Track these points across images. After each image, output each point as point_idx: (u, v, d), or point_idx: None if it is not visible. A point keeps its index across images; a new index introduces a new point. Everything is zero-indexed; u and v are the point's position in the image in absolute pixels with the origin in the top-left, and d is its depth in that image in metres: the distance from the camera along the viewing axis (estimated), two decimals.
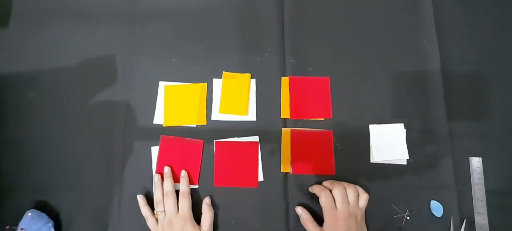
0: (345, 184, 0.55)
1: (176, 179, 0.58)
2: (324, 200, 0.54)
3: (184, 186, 0.57)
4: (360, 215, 0.54)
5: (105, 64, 0.64)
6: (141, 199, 0.57)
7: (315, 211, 0.58)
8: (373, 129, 0.62)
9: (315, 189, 0.56)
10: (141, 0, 0.67)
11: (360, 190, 0.55)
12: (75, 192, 0.59)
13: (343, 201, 0.53)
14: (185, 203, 0.55)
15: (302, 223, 0.56)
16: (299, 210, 0.57)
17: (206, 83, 0.63)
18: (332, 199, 0.54)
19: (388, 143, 0.61)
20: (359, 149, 0.61)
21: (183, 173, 0.58)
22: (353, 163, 0.60)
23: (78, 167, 0.60)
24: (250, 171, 0.59)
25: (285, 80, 0.63)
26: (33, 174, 0.60)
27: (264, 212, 0.58)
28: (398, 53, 0.65)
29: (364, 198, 0.55)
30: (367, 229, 0.54)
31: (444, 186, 0.60)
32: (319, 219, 0.56)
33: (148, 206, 0.57)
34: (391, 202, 0.59)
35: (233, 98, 0.62)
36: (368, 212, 0.57)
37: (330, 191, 0.55)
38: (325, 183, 0.57)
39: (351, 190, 0.54)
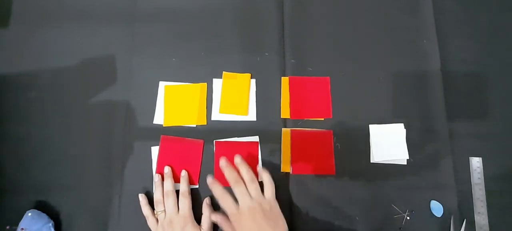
0: (247, 179, 0.52)
1: (176, 179, 0.58)
2: (224, 205, 0.51)
3: (184, 186, 0.57)
4: (269, 206, 0.51)
5: (105, 64, 0.64)
6: (142, 198, 0.57)
7: (315, 211, 0.58)
8: (373, 129, 0.62)
9: (216, 194, 0.53)
10: (141, 0, 0.67)
11: (265, 180, 0.53)
12: (75, 192, 0.59)
13: (244, 198, 0.51)
14: (186, 203, 0.55)
15: (220, 226, 0.54)
16: (214, 217, 0.54)
17: (206, 83, 0.63)
18: (232, 200, 0.51)
19: (388, 143, 0.61)
20: (359, 149, 0.61)
21: (183, 173, 0.58)
22: (353, 163, 0.60)
23: (78, 167, 0.60)
24: None
25: (285, 80, 0.63)
26: (33, 174, 0.60)
27: None
28: (398, 53, 0.65)
29: (268, 187, 0.52)
30: (365, 228, 0.54)
31: (444, 186, 0.60)
32: (323, 221, 0.56)
33: (149, 205, 0.57)
34: (391, 202, 0.59)
35: (233, 98, 0.62)
36: (368, 212, 0.57)
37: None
38: (225, 171, 0.53)
39: (253, 186, 0.52)
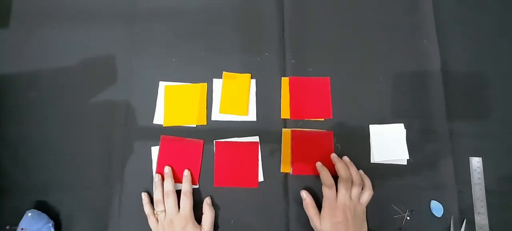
0: (354, 176, 0.56)
1: (176, 179, 0.58)
2: (328, 190, 0.54)
3: (186, 186, 0.57)
4: (360, 209, 0.54)
5: (105, 64, 0.64)
6: (144, 197, 0.58)
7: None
8: (373, 129, 0.62)
9: (323, 177, 0.56)
10: (141, 0, 0.67)
11: (366, 185, 0.56)
12: (75, 192, 0.59)
13: (346, 194, 0.54)
14: (187, 202, 0.55)
15: (305, 208, 0.57)
16: (304, 194, 0.57)
17: (206, 83, 0.63)
18: (335, 189, 0.55)
19: (388, 143, 0.61)
20: (359, 149, 0.61)
21: (186, 173, 0.58)
22: (354, 163, 0.60)
23: (78, 167, 0.60)
24: (250, 171, 0.59)
25: (285, 81, 0.63)
26: (33, 174, 0.60)
27: (264, 212, 0.58)
28: (398, 53, 0.65)
29: (367, 194, 0.55)
30: (368, 228, 0.55)
31: (444, 186, 0.60)
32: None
33: (150, 204, 0.57)
34: (391, 202, 0.59)
35: (233, 98, 0.62)
36: (368, 212, 0.57)
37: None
38: (338, 165, 0.57)
39: (356, 188, 0.55)
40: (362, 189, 0.56)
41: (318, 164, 0.58)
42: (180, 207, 0.55)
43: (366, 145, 0.61)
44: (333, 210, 0.53)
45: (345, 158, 0.59)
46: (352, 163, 0.58)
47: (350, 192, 0.54)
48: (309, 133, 0.61)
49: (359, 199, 0.55)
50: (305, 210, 0.57)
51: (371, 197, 0.55)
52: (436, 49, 0.65)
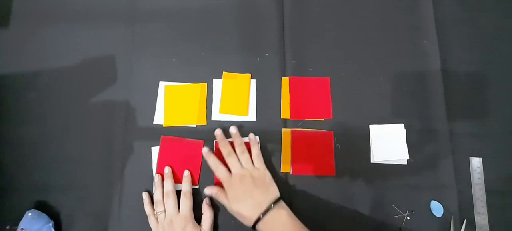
0: (238, 150, 0.57)
1: (176, 179, 0.58)
2: (218, 173, 0.56)
3: (186, 186, 0.57)
4: (257, 173, 0.55)
5: (105, 64, 0.64)
6: (145, 197, 0.58)
7: (315, 211, 0.58)
8: (373, 129, 0.62)
9: (211, 164, 0.57)
10: (141, 0, 0.67)
11: (254, 153, 0.57)
12: (75, 192, 0.59)
13: (235, 167, 0.55)
14: (187, 203, 0.55)
15: (216, 198, 0.57)
16: (207, 190, 0.57)
17: (206, 83, 0.63)
18: (225, 170, 0.56)
19: (388, 143, 0.61)
20: (359, 149, 0.61)
21: (186, 173, 0.58)
22: (354, 163, 0.60)
23: (78, 167, 0.60)
24: None
25: (285, 81, 0.63)
26: (33, 174, 0.60)
27: None
28: (398, 53, 0.65)
29: (257, 159, 0.56)
30: (365, 228, 0.55)
31: (444, 186, 0.60)
32: (320, 221, 0.56)
33: (151, 204, 0.57)
34: (391, 202, 0.59)
35: (233, 98, 0.62)
36: (368, 212, 0.57)
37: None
38: (219, 145, 0.58)
39: (243, 156, 0.56)
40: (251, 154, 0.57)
41: (204, 151, 0.58)
42: (180, 208, 0.55)
43: (366, 145, 0.61)
44: (232, 186, 0.54)
45: (231, 129, 0.58)
46: (237, 135, 0.58)
47: (239, 162, 0.56)
48: (309, 133, 0.61)
49: (252, 165, 0.56)
50: (217, 199, 0.56)
51: (262, 159, 0.57)
52: (436, 49, 0.65)
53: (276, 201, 0.53)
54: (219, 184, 0.57)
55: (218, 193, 0.56)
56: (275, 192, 0.55)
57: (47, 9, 0.66)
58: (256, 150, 0.57)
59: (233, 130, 0.58)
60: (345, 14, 0.67)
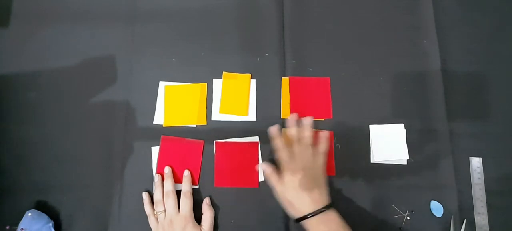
0: (306, 141, 0.57)
1: (176, 179, 0.58)
2: (282, 155, 0.56)
3: (186, 186, 0.57)
4: (319, 171, 0.55)
5: (105, 64, 0.64)
6: (145, 197, 0.58)
7: None
8: (373, 129, 0.62)
9: (277, 145, 0.57)
10: (141, 0, 0.67)
11: (322, 151, 0.57)
12: (75, 192, 0.59)
13: (302, 156, 0.55)
14: (187, 203, 0.55)
15: (266, 178, 0.57)
16: (264, 165, 0.57)
17: (206, 83, 0.63)
18: (290, 154, 0.56)
19: (388, 143, 0.61)
20: (359, 149, 0.61)
21: (186, 173, 0.58)
22: (354, 163, 0.60)
23: (78, 167, 0.60)
24: (251, 171, 0.59)
25: (285, 81, 0.63)
26: (33, 174, 0.60)
27: (265, 213, 0.58)
28: (398, 53, 0.65)
29: (321, 157, 0.56)
30: (365, 228, 0.55)
31: (444, 186, 0.60)
32: None
33: (151, 204, 0.57)
34: (391, 202, 0.59)
35: (233, 98, 0.62)
36: (368, 212, 0.57)
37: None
38: (292, 132, 0.58)
39: (309, 151, 0.56)
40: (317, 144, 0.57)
41: (272, 129, 0.59)
42: (180, 207, 0.55)
43: (366, 145, 0.61)
44: (291, 175, 0.53)
45: (306, 119, 0.59)
46: (309, 126, 0.58)
47: (305, 154, 0.55)
48: None
49: (316, 161, 0.55)
50: (267, 179, 0.56)
51: (326, 159, 0.57)
52: (436, 49, 0.65)
53: (329, 206, 0.52)
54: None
55: (272, 173, 0.55)
56: (324, 192, 0.54)
57: (47, 9, 0.66)
58: (323, 148, 0.57)
59: (308, 120, 0.59)
60: (345, 14, 0.67)
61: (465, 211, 0.59)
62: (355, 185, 0.59)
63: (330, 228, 0.51)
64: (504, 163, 0.61)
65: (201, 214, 0.57)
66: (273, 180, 0.55)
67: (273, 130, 0.58)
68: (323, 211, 0.51)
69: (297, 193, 0.52)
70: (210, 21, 0.66)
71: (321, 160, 0.56)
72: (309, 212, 0.51)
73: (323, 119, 0.62)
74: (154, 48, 0.65)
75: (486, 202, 0.59)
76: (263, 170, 0.57)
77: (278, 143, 0.57)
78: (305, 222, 0.51)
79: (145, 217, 0.57)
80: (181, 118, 0.61)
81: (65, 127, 0.61)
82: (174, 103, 0.62)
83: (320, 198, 0.52)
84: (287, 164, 0.55)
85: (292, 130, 0.58)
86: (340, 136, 0.61)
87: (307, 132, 0.58)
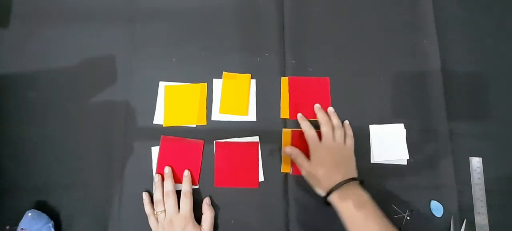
0: (336, 124, 0.59)
1: (176, 179, 0.58)
2: (309, 135, 0.58)
3: (186, 186, 0.57)
4: (347, 153, 0.57)
5: (105, 64, 0.64)
6: (145, 197, 0.58)
7: (315, 211, 0.58)
8: (373, 129, 0.62)
9: (303, 126, 0.59)
10: (141, 0, 0.67)
11: (348, 134, 0.59)
12: (75, 192, 0.59)
13: (328, 137, 0.57)
14: (187, 203, 0.55)
15: (294, 160, 0.58)
16: (289, 149, 0.58)
17: (206, 83, 0.63)
18: (317, 135, 0.58)
19: (388, 143, 0.61)
20: (359, 149, 0.60)
21: (186, 173, 0.58)
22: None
23: (78, 167, 0.60)
24: (251, 171, 0.59)
25: (285, 81, 0.63)
26: (33, 174, 0.60)
27: (265, 212, 0.58)
28: (398, 53, 0.65)
29: (350, 140, 0.58)
30: None
31: (444, 186, 0.60)
32: (320, 221, 0.56)
33: (151, 204, 0.57)
34: (391, 202, 0.59)
35: (233, 98, 0.62)
36: None
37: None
38: (319, 114, 0.60)
39: (338, 131, 0.58)
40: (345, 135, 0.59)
41: (299, 115, 0.61)
42: (180, 207, 0.55)
43: (366, 145, 0.61)
44: (320, 152, 0.56)
45: (329, 109, 0.61)
46: (334, 113, 0.61)
47: (333, 135, 0.57)
48: None
49: (343, 142, 0.57)
50: (295, 161, 0.58)
51: (353, 143, 0.58)
52: (436, 49, 0.65)
53: (356, 181, 0.54)
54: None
55: (298, 154, 0.57)
56: (353, 171, 0.56)
57: (47, 9, 0.66)
58: (350, 132, 0.59)
59: (331, 109, 0.61)
60: (345, 14, 0.67)
61: (465, 211, 0.59)
62: (345, 125, 0.60)
63: (358, 201, 0.51)
64: (504, 163, 0.61)
65: (201, 214, 0.57)
66: (299, 160, 0.57)
67: (300, 115, 0.60)
68: (350, 182, 0.52)
69: (323, 167, 0.54)
70: (210, 21, 0.66)
71: (350, 141, 0.58)
72: (334, 185, 0.52)
73: None
74: (154, 48, 0.65)
75: (486, 202, 0.59)
76: (288, 152, 0.58)
77: (305, 125, 0.59)
78: (333, 197, 0.52)
79: (145, 217, 0.57)
80: (181, 118, 0.61)
81: (65, 127, 0.61)
82: (174, 103, 0.62)
83: (347, 173, 0.54)
84: (315, 142, 0.57)
85: (319, 114, 0.60)
86: None
87: (335, 118, 0.60)
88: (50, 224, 0.55)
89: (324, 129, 0.58)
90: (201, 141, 0.60)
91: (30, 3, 0.67)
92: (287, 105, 0.62)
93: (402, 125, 0.62)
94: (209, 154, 0.60)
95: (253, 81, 0.63)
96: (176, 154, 0.60)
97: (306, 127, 0.58)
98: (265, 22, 0.66)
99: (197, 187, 0.59)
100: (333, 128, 0.58)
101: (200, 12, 0.66)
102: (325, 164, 0.54)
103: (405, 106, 0.63)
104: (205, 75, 0.63)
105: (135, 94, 0.62)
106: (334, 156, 0.55)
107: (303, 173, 0.57)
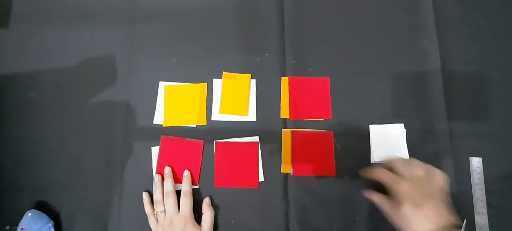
0: (416, 164, 0.52)
1: (176, 179, 0.58)
2: (385, 177, 0.52)
3: (186, 186, 0.57)
4: (435, 189, 0.50)
5: (105, 64, 0.64)
6: (145, 197, 0.58)
7: (315, 211, 0.58)
8: (373, 129, 0.62)
9: (386, 179, 0.52)
10: (141, 0, 0.67)
11: (437, 172, 0.52)
12: (75, 192, 0.59)
13: (411, 185, 0.50)
14: (187, 203, 0.55)
15: (378, 203, 0.54)
16: (373, 195, 0.54)
17: (206, 83, 0.63)
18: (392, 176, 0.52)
19: (388, 143, 0.61)
20: (359, 149, 0.61)
21: (186, 173, 0.58)
22: (354, 163, 0.60)
23: (78, 167, 0.60)
24: (251, 172, 0.59)
25: (284, 81, 0.63)
26: (33, 174, 0.60)
27: (265, 213, 0.58)
28: (398, 53, 0.65)
29: (437, 174, 0.51)
30: (365, 228, 0.55)
31: None
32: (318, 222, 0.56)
33: (151, 204, 0.57)
34: None
35: (233, 98, 0.62)
36: (368, 212, 0.57)
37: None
38: (378, 175, 0.54)
39: (422, 170, 0.51)
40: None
41: (379, 172, 0.54)
42: (180, 207, 0.55)
43: (366, 145, 0.61)
44: (403, 186, 0.50)
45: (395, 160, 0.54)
46: (398, 160, 0.54)
47: (412, 180, 0.50)
48: (309, 133, 0.61)
49: (428, 180, 0.50)
50: (379, 207, 0.53)
51: (444, 179, 0.51)
52: (436, 49, 0.65)
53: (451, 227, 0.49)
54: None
55: (386, 204, 0.52)
56: (448, 219, 0.49)
57: (47, 9, 0.66)
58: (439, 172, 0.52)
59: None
60: (345, 14, 0.67)
61: (465, 211, 0.59)
62: (355, 185, 0.59)
63: None
64: (504, 163, 0.61)
65: (201, 214, 0.57)
66: (387, 208, 0.52)
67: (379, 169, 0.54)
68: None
69: (421, 209, 0.48)
70: (210, 21, 0.66)
71: (438, 178, 0.51)
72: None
73: (322, 119, 0.62)
74: (154, 48, 0.65)
75: (486, 202, 0.59)
76: (375, 200, 0.54)
77: (382, 176, 0.53)
78: None
79: (145, 217, 0.57)
80: (181, 118, 0.61)
81: (65, 127, 0.61)
82: (174, 103, 0.62)
83: (439, 218, 0.48)
84: (392, 184, 0.51)
85: (380, 176, 0.54)
86: (340, 136, 0.61)
87: (399, 165, 0.53)
88: (50, 224, 0.55)
89: (406, 170, 0.51)
90: (201, 141, 0.60)
91: (30, 3, 0.67)
92: (287, 105, 0.62)
93: (402, 125, 0.62)
94: (209, 154, 0.60)
95: (253, 81, 0.63)
96: (176, 154, 0.60)
97: (387, 180, 0.52)
98: (265, 22, 0.66)
99: (197, 187, 0.59)
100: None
101: (200, 12, 0.66)
102: (415, 206, 0.49)
103: (405, 106, 0.63)
104: (205, 75, 0.63)
105: (135, 94, 0.62)
106: (419, 186, 0.50)
107: (388, 215, 0.51)
